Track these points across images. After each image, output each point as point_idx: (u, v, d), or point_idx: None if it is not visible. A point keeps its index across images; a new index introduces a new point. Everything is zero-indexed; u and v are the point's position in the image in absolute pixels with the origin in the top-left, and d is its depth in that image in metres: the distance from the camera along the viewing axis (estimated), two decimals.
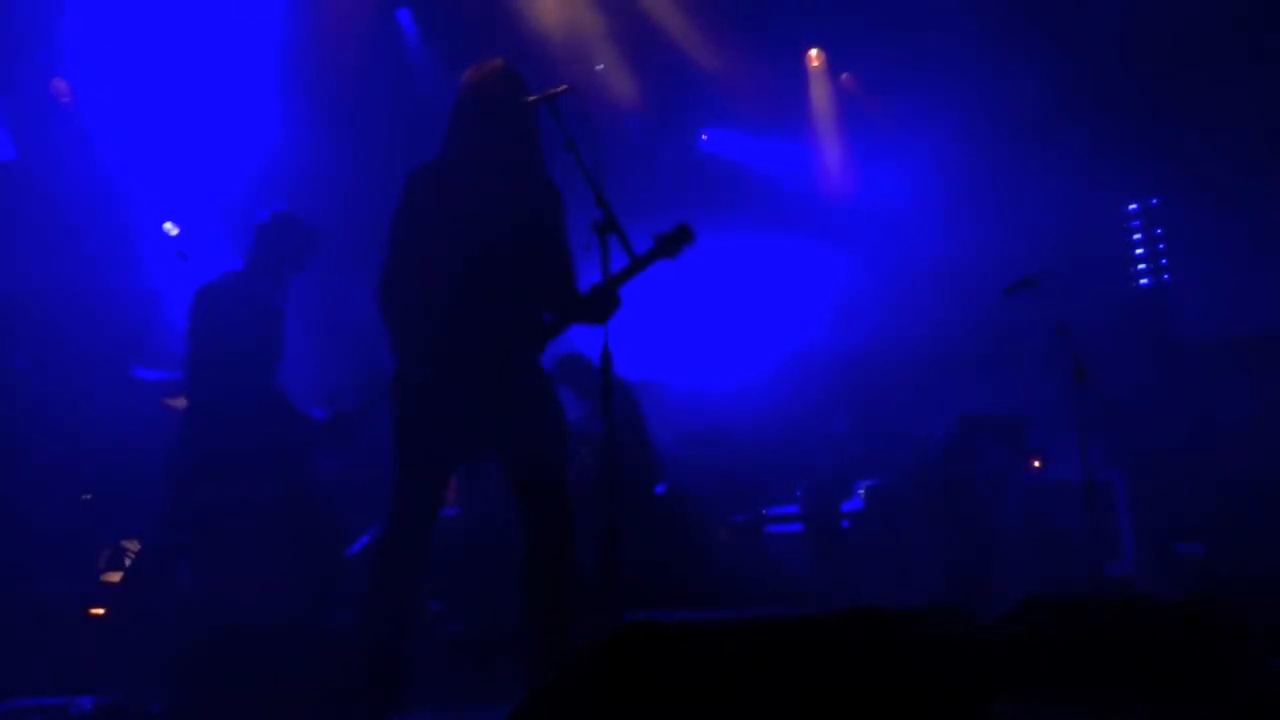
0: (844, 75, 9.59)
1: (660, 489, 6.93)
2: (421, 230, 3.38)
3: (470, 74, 3.52)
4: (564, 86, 3.37)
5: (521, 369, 3.42)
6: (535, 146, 3.50)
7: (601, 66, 8.53)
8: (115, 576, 4.97)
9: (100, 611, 4.49)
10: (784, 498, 7.73)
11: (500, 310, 3.38)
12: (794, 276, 9.50)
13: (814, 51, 9.52)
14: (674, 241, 3.43)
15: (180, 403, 4.94)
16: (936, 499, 5.99)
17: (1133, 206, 8.96)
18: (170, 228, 6.27)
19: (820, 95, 9.63)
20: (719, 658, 2.03)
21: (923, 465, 6.45)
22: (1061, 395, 5.34)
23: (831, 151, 9.78)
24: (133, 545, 5.11)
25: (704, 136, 9.77)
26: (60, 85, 6.80)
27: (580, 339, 4.31)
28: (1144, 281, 8.89)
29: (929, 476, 6.36)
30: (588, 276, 3.47)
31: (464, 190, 3.41)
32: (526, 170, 3.50)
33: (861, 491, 7.10)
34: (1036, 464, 7.69)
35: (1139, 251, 8.93)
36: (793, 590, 6.39)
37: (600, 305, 3.37)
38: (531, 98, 3.39)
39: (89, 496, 5.50)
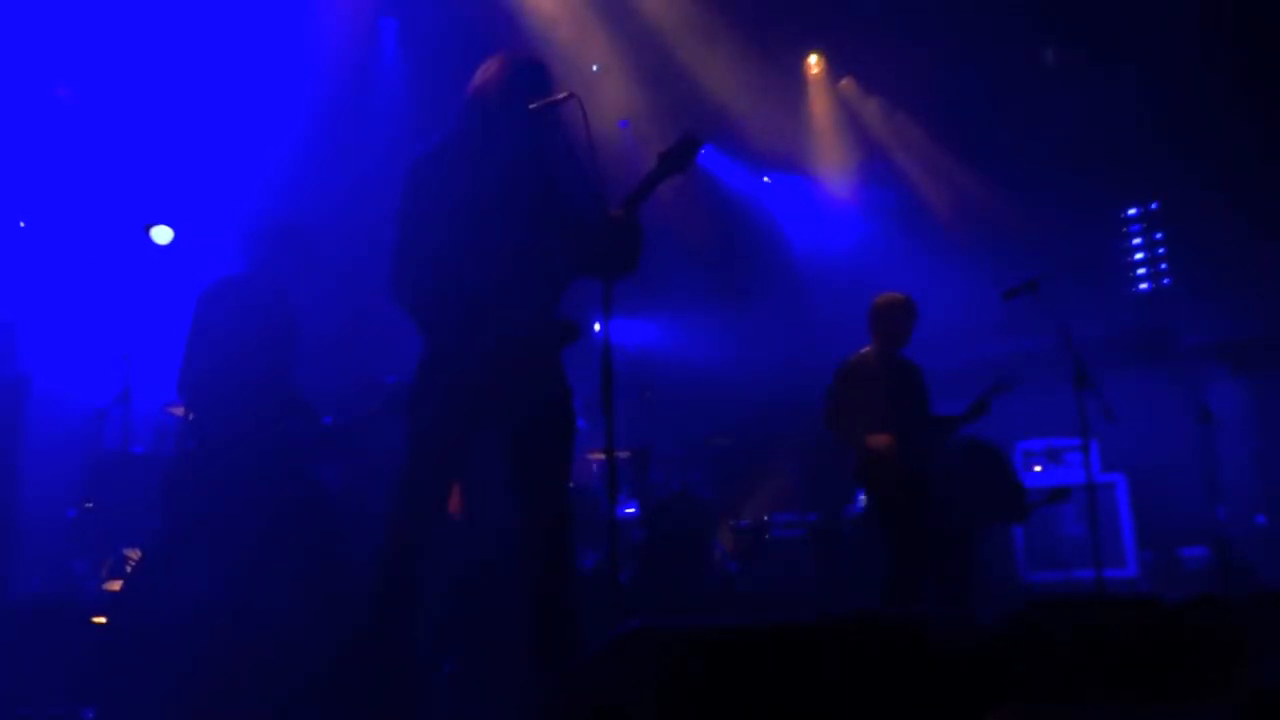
0: (843, 81, 9.61)
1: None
2: (436, 213, 3.35)
3: (491, 63, 3.49)
4: (565, 93, 3.37)
5: (546, 360, 3.41)
6: (548, 129, 3.48)
7: (597, 68, 8.54)
8: (116, 585, 4.96)
9: (102, 620, 4.48)
10: (789, 504, 7.74)
11: (523, 296, 3.36)
12: (792, 282, 9.52)
13: (813, 58, 9.53)
14: (681, 154, 3.37)
15: (180, 410, 4.93)
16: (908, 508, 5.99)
17: (1132, 211, 8.98)
18: (160, 234, 6.18)
19: (820, 103, 9.65)
20: (721, 663, 2.03)
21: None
22: (1063, 399, 5.34)
23: (831, 160, 9.80)
24: (134, 553, 5.10)
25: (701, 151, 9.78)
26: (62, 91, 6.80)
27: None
28: (1144, 286, 8.90)
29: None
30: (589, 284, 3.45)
31: (476, 171, 3.39)
32: (536, 147, 3.48)
33: (863, 497, 7.10)
34: (1038, 469, 7.69)
35: (1138, 256, 8.94)
36: (796, 595, 6.38)
37: (623, 242, 3.30)
38: (533, 104, 3.39)
39: (90, 504, 5.50)
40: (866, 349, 5.39)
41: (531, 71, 3.46)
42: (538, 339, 3.37)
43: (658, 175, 3.37)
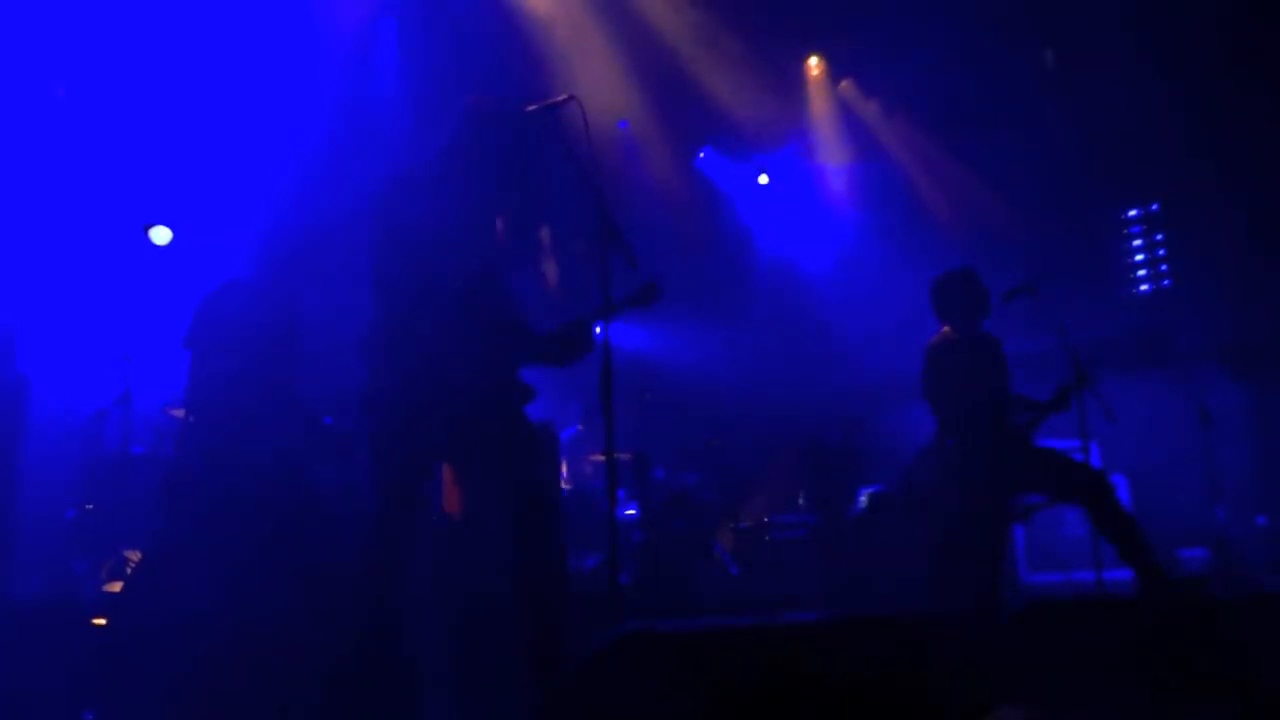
0: (844, 83, 9.61)
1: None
2: (412, 245, 3.35)
3: (468, 105, 3.49)
4: (565, 96, 3.37)
5: (508, 395, 3.42)
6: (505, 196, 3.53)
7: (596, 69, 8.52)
8: (116, 587, 4.96)
9: (103, 622, 4.48)
10: (789, 505, 7.73)
11: (484, 339, 3.36)
12: (792, 284, 9.53)
13: (813, 60, 9.53)
14: (645, 296, 3.49)
15: (180, 412, 4.93)
16: (916, 507, 5.94)
17: (1133, 213, 8.97)
18: (159, 235, 6.18)
19: (820, 105, 9.65)
20: (717, 666, 2.03)
21: (906, 474, 6.45)
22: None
23: (832, 160, 9.81)
24: (134, 555, 5.10)
25: (701, 154, 9.75)
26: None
27: None
28: (1144, 288, 8.89)
29: (909, 485, 6.34)
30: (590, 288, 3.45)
31: (449, 214, 3.39)
32: (492, 216, 3.53)
33: (864, 498, 7.10)
34: None
35: (1139, 258, 8.94)
36: (796, 596, 6.38)
37: (568, 346, 3.38)
38: (532, 107, 3.39)
39: (90, 506, 5.50)
40: (945, 329, 5.33)
41: (501, 118, 3.45)
42: (501, 393, 3.39)
43: (622, 305, 3.44)
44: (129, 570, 4.98)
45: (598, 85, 8.45)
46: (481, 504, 4.90)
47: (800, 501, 7.67)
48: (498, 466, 3.38)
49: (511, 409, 3.40)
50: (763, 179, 9.92)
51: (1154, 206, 8.87)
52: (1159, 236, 8.85)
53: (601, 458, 6.98)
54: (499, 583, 4.45)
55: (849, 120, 9.64)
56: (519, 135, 3.43)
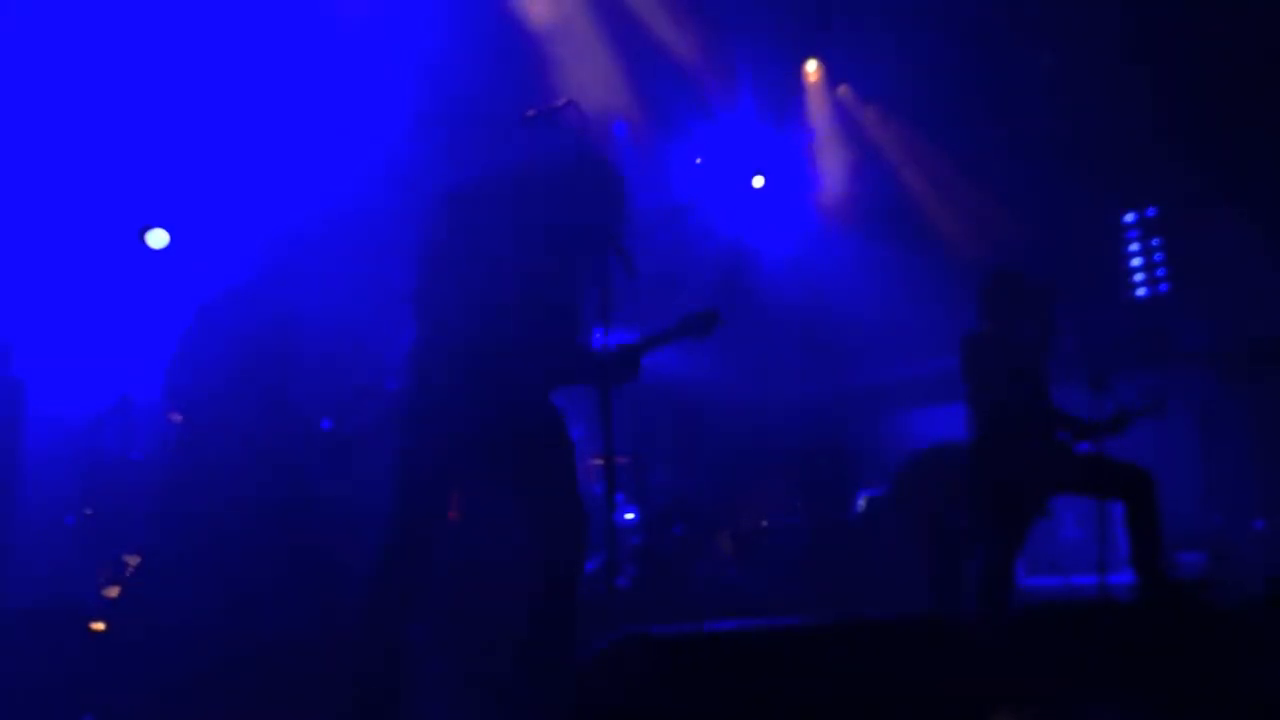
0: (842, 87, 9.62)
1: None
2: (463, 250, 3.31)
3: (535, 111, 3.45)
4: (564, 100, 3.38)
5: (538, 406, 3.37)
6: (583, 195, 3.43)
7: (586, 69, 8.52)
8: (115, 592, 4.96)
9: (101, 626, 4.48)
10: (787, 508, 7.74)
11: (524, 346, 3.32)
12: (790, 288, 9.53)
13: (812, 64, 9.54)
14: (702, 324, 3.45)
15: (178, 417, 4.93)
16: (906, 510, 5.94)
17: (1130, 217, 8.98)
18: (155, 239, 6.19)
19: (818, 109, 9.66)
20: (714, 669, 2.03)
21: (897, 477, 6.46)
22: (1066, 403, 5.34)
23: (829, 164, 9.82)
24: (133, 560, 5.10)
25: (698, 159, 9.72)
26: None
27: None
28: (1141, 292, 8.91)
29: (900, 487, 6.35)
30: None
31: (506, 220, 3.34)
32: (563, 215, 3.43)
33: (862, 501, 7.11)
34: None
35: (1136, 262, 8.95)
36: (796, 600, 6.38)
37: (614, 371, 3.32)
38: (530, 111, 3.40)
39: (89, 511, 5.50)
40: (986, 327, 5.17)
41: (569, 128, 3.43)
42: (527, 402, 3.34)
43: (674, 334, 3.43)
44: (128, 575, 4.98)
45: (594, 89, 8.46)
46: (499, 512, 4.86)
47: (797, 505, 7.67)
48: (526, 480, 3.33)
49: (550, 425, 3.36)
50: (758, 182, 9.90)
51: (1151, 211, 8.88)
52: (1156, 241, 8.86)
53: (600, 461, 6.99)
54: (499, 586, 4.45)
55: (847, 124, 9.65)
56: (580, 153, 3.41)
